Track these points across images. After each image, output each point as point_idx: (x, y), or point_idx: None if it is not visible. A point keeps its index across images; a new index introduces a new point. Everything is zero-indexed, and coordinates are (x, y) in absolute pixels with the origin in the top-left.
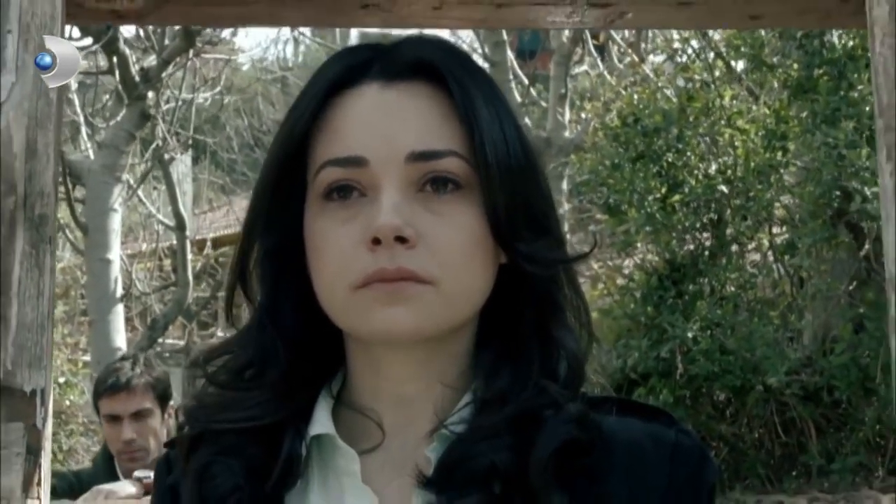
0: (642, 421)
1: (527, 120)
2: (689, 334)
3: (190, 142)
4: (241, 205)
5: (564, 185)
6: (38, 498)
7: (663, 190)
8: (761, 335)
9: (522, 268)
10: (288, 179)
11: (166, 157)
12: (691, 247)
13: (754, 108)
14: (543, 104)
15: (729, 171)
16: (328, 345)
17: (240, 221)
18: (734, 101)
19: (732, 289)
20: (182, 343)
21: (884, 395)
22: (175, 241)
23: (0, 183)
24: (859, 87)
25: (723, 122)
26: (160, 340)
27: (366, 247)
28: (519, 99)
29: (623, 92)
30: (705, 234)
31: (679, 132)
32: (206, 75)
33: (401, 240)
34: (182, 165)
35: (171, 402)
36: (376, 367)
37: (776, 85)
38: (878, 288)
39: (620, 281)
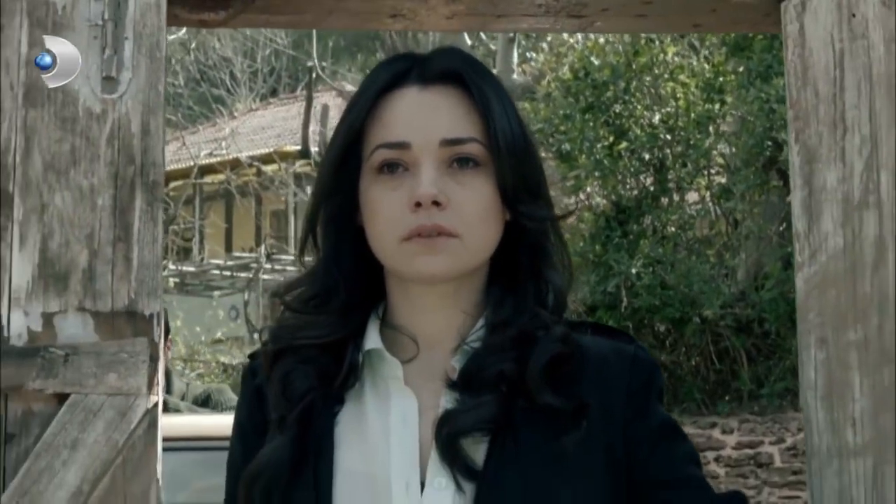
0: (609, 339)
1: None
2: (633, 270)
3: None
4: (191, 139)
5: None
6: (157, 394)
7: (611, 138)
8: (699, 272)
9: (522, 224)
10: (348, 159)
11: None
12: (636, 190)
13: (695, 63)
14: (492, 46)
15: (671, 121)
16: (374, 281)
17: (192, 156)
18: (676, 57)
19: (673, 229)
20: None
21: None
22: None
23: (123, 156)
24: None
25: (666, 75)
26: None
27: (409, 209)
28: (469, 42)
29: (569, 39)
30: (649, 179)
31: (626, 85)
32: None
33: (436, 203)
34: None
35: (170, 336)
36: (412, 299)
37: (715, 42)
38: None
39: (570, 221)
